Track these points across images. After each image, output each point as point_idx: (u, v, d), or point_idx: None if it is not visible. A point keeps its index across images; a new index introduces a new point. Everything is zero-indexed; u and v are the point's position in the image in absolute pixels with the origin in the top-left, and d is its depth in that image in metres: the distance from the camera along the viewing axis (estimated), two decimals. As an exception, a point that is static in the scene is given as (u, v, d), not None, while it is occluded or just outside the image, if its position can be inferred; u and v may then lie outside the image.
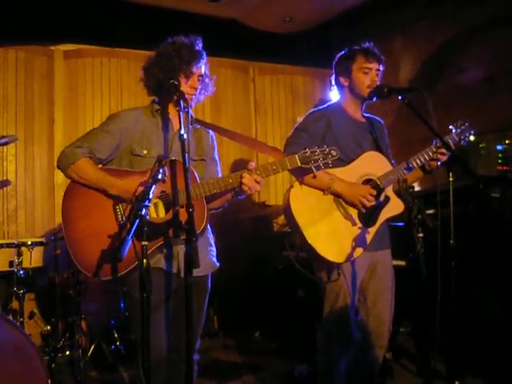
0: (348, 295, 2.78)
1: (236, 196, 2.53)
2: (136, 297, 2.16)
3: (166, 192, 2.38)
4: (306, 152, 2.37)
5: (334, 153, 2.40)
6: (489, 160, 4.42)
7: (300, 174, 2.71)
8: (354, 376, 2.92)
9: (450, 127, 2.90)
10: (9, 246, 4.03)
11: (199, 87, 2.55)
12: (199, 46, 2.55)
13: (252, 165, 2.34)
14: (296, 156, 2.37)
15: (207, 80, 2.61)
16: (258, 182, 2.34)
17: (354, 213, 2.77)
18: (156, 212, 2.39)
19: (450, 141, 2.83)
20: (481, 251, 3.59)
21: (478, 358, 3.54)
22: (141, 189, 2.29)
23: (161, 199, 2.39)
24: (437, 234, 2.60)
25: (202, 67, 2.55)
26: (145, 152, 2.48)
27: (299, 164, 2.37)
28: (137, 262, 2.20)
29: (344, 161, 2.81)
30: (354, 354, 2.88)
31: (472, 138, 2.91)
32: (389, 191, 2.82)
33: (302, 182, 2.77)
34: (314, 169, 2.37)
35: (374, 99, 2.91)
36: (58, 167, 2.48)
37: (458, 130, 2.89)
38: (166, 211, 2.39)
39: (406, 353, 4.17)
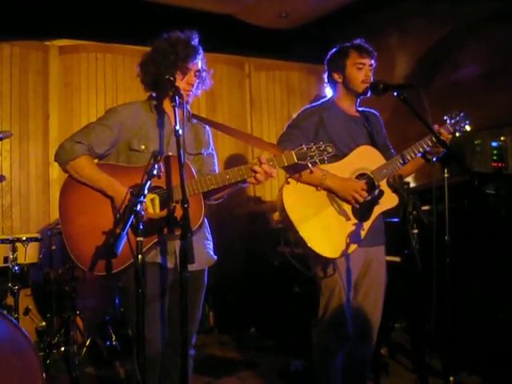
0: (343, 291, 2.78)
1: (240, 184, 2.50)
2: (131, 292, 2.16)
3: (163, 188, 2.37)
4: (303, 148, 2.37)
5: (329, 149, 2.40)
6: (484, 157, 4.44)
7: (294, 170, 2.70)
8: (347, 371, 2.93)
9: (445, 118, 2.90)
10: (3, 241, 4.02)
11: (196, 83, 2.55)
12: (195, 41, 2.54)
13: (264, 157, 2.34)
14: (293, 152, 2.37)
15: (204, 74, 2.59)
16: (271, 173, 2.35)
17: (347, 208, 2.77)
18: (153, 207, 2.39)
19: (444, 131, 2.83)
20: (476, 247, 3.60)
21: (473, 353, 3.55)
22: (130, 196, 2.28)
23: (158, 195, 2.39)
24: (432, 230, 2.61)
25: (199, 62, 2.53)
26: (142, 147, 2.47)
27: (296, 160, 2.36)
28: (131, 261, 2.20)
29: (338, 156, 2.80)
30: (348, 349, 2.89)
31: (468, 128, 2.91)
32: (383, 185, 2.83)
33: (294, 178, 2.76)
34: (309, 165, 2.37)
35: (369, 94, 2.92)
36: (56, 161, 2.45)
37: (453, 121, 2.89)
38: (162, 207, 2.38)
39: (401, 349, 4.18)
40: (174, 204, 2.30)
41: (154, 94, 2.61)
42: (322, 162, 2.40)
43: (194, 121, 2.70)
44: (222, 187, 2.40)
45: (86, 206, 2.40)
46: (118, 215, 2.33)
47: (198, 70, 2.54)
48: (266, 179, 2.38)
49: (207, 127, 2.75)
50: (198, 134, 2.68)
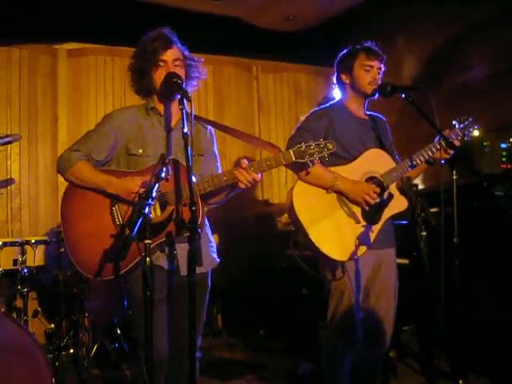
0: (353, 294, 2.76)
1: (234, 190, 2.48)
2: (136, 295, 2.16)
3: (161, 191, 2.35)
4: (301, 146, 2.30)
5: (329, 146, 2.32)
6: (493, 158, 4.41)
7: (297, 169, 2.68)
8: (356, 374, 2.92)
9: (454, 122, 2.90)
10: (13, 244, 4.05)
11: (183, 72, 2.47)
12: (164, 33, 2.47)
13: (245, 162, 2.30)
14: (291, 151, 2.31)
15: (190, 62, 2.53)
16: (254, 178, 2.31)
17: (357, 211, 2.76)
18: (153, 211, 2.38)
19: (452, 136, 2.83)
20: (484, 249, 3.58)
21: (481, 356, 3.53)
22: (142, 189, 2.27)
23: (156, 198, 2.37)
24: (440, 233, 2.60)
25: (176, 52, 2.46)
26: (140, 151, 2.46)
27: (294, 159, 2.30)
28: (137, 260, 2.22)
29: (347, 159, 2.81)
30: (358, 352, 2.88)
31: (476, 132, 2.90)
32: (392, 188, 2.82)
33: (303, 180, 2.76)
34: (309, 163, 2.31)
35: (376, 96, 2.91)
36: (57, 171, 2.48)
37: (462, 125, 2.89)
38: (162, 210, 2.38)
39: (409, 351, 4.16)
40: (172, 207, 2.31)
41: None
42: (323, 159, 2.33)
43: (193, 121, 2.67)
44: (219, 189, 2.37)
45: (85, 213, 2.41)
46: (117, 217, 2.35)
47: (177, 59, 2.46)
48: (251, 185, 2.34)
49: (209, 128, 2.72)
50: (198, 135, 2.62)
